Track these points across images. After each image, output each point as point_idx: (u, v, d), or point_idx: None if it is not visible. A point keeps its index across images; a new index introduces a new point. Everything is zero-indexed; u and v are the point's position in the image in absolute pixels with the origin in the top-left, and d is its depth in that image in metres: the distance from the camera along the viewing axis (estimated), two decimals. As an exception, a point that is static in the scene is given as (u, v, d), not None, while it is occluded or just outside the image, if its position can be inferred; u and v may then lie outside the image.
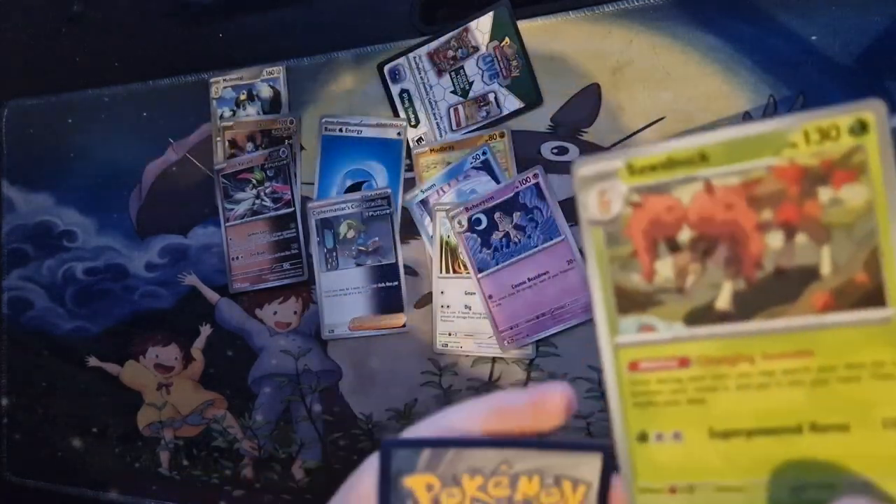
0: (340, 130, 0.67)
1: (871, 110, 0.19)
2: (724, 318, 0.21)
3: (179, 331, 0.74)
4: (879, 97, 0.57)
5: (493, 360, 0.63)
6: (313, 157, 0.68)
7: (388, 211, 0.66)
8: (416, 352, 0.65)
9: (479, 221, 0.63)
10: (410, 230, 0.66)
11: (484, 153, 0.63)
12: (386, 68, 0.66)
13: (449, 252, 0.64)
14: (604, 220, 0.22)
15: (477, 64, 0.63)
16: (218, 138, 0.71)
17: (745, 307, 0.20)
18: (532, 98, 0.62)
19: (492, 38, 0.63)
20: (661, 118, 0.59)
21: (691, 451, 0.21)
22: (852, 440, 0.20)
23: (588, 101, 0.61)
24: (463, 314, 0.63)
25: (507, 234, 0.62)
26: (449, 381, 0.64)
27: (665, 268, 0.21)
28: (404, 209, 0.66)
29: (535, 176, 0.61)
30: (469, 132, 0.64)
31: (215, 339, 0.72)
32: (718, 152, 0.20)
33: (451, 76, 0.64)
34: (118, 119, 0.76)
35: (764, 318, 0.20)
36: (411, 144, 0.66)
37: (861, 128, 0.19)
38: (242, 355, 0.71)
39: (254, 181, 0.70)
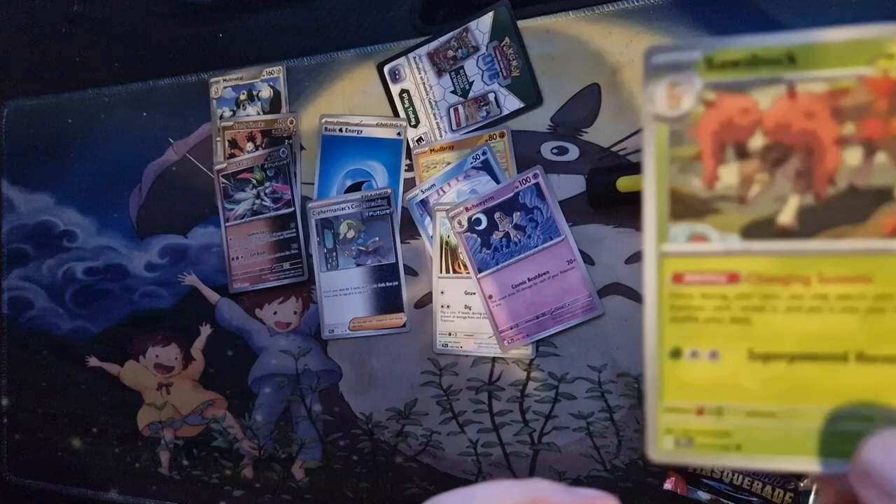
0: (340, 130, 0.67)
1: None
2: (784, 233, 0.20)
3: (179, 331, 0.73)
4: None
5: (493, 360, 0.63)
6: (313, 156, 0.68)
7: (388, 211, 0.66)
8: (416, 352, 0.65)
9: (478, 221, 0.63)
10: (410, 230, 0.66)
11: (484, 153, 0.63)
12: (386, 68, 0.66)
13: (449, 252, 0.64)
14: (671, 116, 0.20)
15: (477, 64, 0.63)
16: (218, 138, 0.71)
17: (810, 224, 0.19)
18: (532, 98, 0.62)
19: (492, 38, 0.62)
20: (661, 118, 0.59)
21: (727, 372, 0.20)
22: None
23: (588, 101, 0.61)
24: (463, 314, 0.63)
25: (507, 234, 0.62)
26: (449, 381, 0.64)
27: (729, 174, 0.20)
28: (404, 209, 0.66)
29: (536, 176, 0.61)
30: (469, 132, 0.64)
31: (215, 339, 0.72)
32: (808, 55, 0.19)
33: (451, 76, 0.64)
34: (118, 119, 0.75)
35: (827, 237, 0.19)
36: (411, 144, 0.66)
37: None
38: (242, 355, 0.71)
39: (254, 181, 0.70)
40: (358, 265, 0.67)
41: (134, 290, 0.75)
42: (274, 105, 0.69)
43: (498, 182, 0.63)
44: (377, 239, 0.66)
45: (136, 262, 0.75)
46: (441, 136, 0.65)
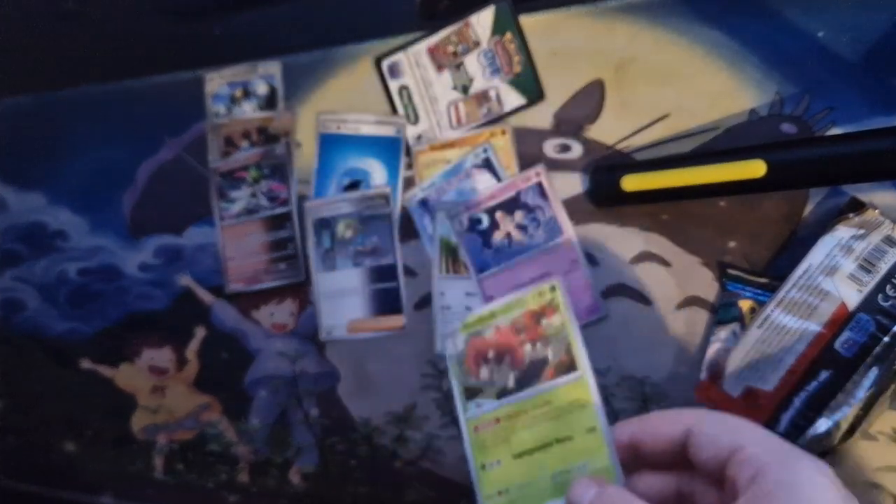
0: (338, 128, 0.66)
1: (556, 281, 0.38)
2: (512, 392, 0.38)
3: (174, 333, 0.73)
4: (885, 94, 0.57)
5: (494, 362, 0.63)
6: (310, 154, 0.67)
7: (386, 210, 0.65)
8: (416, 354, 0.64)
9: (479, 221, 0.62)
10: (410, 230, 0.65)
11: (485, 151, 0.62)
12: (384, 64, 0.65)
13: (449, 252, 0.63)
14: (456, 354, 0.40)
15: (478, 59, 0.62)
16: (213, 136, 0.70)
17: (521, 384, 0.37)
18: (534, 94, 0.61)
19: (493, 33, 0.62)
20: (666, 115, 0.59)
21: (506, 470, 0.37)
22: (575, 444, 0.35)
23: (591, 97, 0.60)
24: (464, 316, 0.62)
25: (508, 234, 0.61)
26: (449, 385, 0.63)
27: (484, 372, 0.39)
28: (403, 208, 0.65)
29: (538, 174, 0.61)
30: (470, 129, 0.63)
31: (210, 341, 0.71)
32: (499, 311, 0.39)
33: (451, 72, 0.63)
34: (112, 117, 0.75)
35: (529, 388, 0.37)
36: (410, 142, 0.65)
37: (553, 288, 0.38)
38: (238, 358, 0.70)
39: (249, 179, 0.69)
40: (356, 266, 0.66)
41: (128, 290, 0.74)
42: (270, 102, 0.69)
43: (499, 180, 0.62)
44: (375, 239, 0.65)
45: (130, 263, 0.74)
46: (441, 133, 0.64)
